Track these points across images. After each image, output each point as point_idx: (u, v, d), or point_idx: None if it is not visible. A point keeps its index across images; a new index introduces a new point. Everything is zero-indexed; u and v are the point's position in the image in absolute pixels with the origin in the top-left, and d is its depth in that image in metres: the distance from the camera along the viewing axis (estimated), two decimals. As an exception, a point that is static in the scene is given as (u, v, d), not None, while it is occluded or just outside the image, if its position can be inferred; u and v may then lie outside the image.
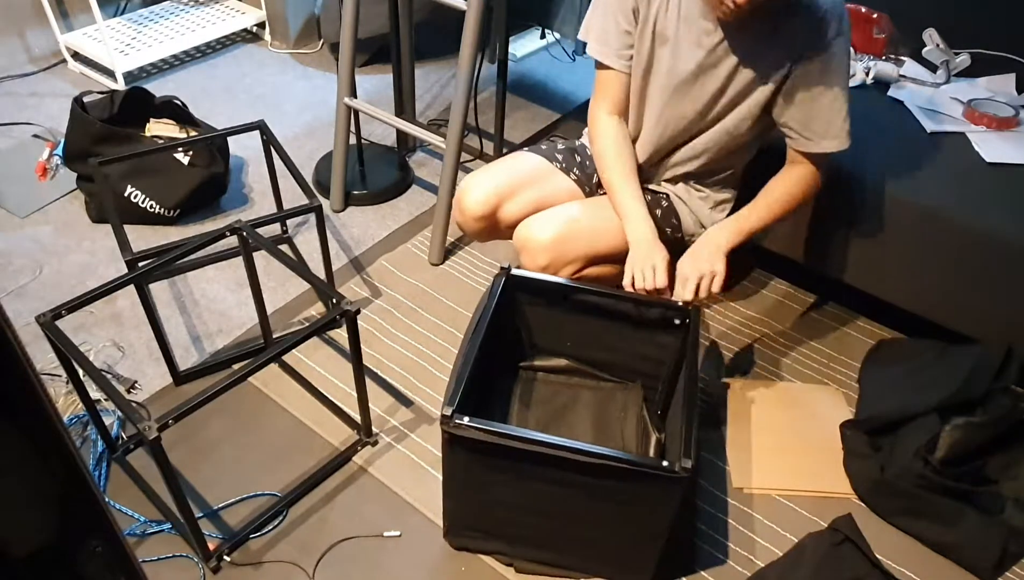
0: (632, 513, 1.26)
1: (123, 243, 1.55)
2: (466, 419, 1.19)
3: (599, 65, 1.55)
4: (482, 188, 1.61)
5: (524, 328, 1.59)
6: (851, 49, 1.43)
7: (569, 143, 1.74)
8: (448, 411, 1.19)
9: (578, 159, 1.71)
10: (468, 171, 2.42)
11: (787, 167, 1.54)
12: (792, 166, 1.53)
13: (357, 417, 1.59)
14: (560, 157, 1.70)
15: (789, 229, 1.85)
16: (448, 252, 2.08)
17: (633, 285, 1.49)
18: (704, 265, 1.47)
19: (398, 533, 1.45)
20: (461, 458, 1.26)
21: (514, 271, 1.48)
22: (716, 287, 1.47)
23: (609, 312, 1.50)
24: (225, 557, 1.39)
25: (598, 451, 1.17)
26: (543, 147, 1.72)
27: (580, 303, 1.50)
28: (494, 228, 1.66)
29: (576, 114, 2.71)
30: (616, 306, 1.49)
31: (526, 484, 1.26)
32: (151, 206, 2.07)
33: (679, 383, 1.40)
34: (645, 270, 1.48)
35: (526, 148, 1.72)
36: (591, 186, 1.71)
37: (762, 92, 1.45)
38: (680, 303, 1.45)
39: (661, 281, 1.47)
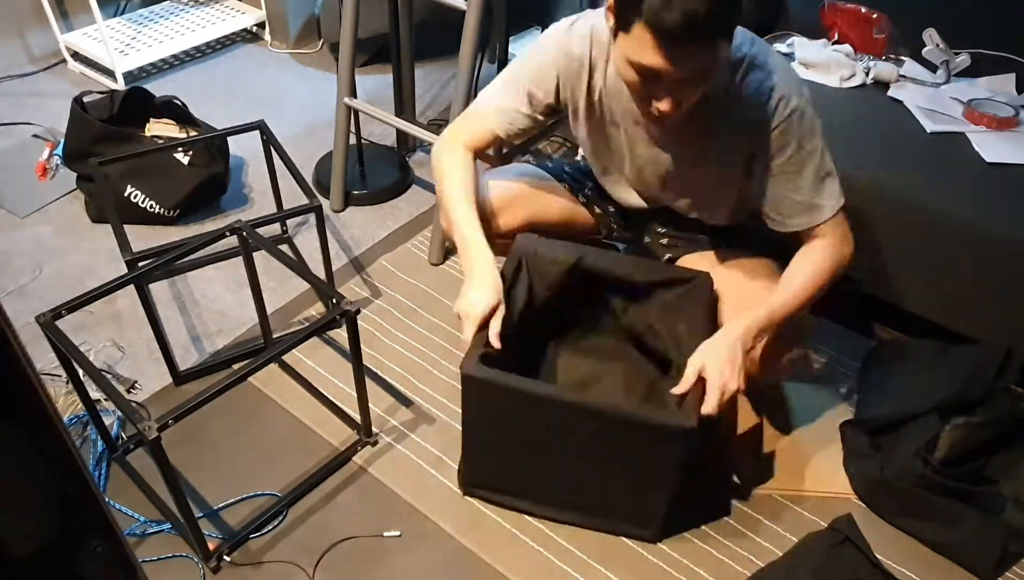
0: (639, 466, 1.31)
1: (123, 243, 1.55)
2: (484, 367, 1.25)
3: (482, 115, 1.42)
4: (508, 209, 1.52)
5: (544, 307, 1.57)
6: (808, 122, 1.27)
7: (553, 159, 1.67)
8: (473, 360, 1.25)
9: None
10: (468, 171, 2.42)
11: (803, 246, 1.36)
12: (807, 243, 1.35)
13: (357, 417, 1.59)
14: (569, 177, 1.61)
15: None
16: (448, 252, 2.08)
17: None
18: (727, 368, 1.25)
19: (398, 533, 1.45)
20: (477, 407, 1.32)
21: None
22: (734, 386, 1.26)
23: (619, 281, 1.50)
24: (225, 557, 1.39)
25: (605, 403, 1.24)
26: (549, 164, 1.65)
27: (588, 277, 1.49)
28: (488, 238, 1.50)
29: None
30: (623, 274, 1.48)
31: (539, 435, 1.32)
32: (151, 206, 2.07)
33: (688, 345, 1.39)
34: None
35: (519, 161, 1.66)
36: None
37: (730, 178, 1.37)
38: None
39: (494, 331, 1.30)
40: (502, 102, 1.40)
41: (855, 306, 1.97)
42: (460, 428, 1.42)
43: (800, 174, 1.29)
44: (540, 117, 1.41)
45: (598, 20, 1.32)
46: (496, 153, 2.14)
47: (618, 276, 1.48)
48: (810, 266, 1.33)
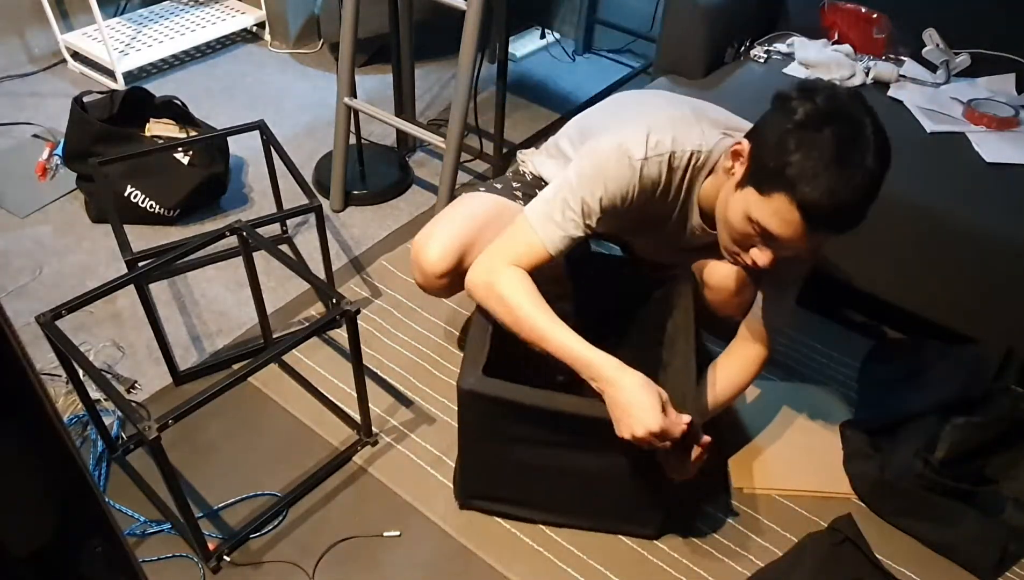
0: (638, 466, 1.30)
1: (123, 243, 1.55)
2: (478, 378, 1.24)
3: (536, 242, 1.27)
4: (439, 241, 1.43)
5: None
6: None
7: (514, 174, 1.59)
8: (472, 373, 1.25)
9: (531, 184, 1.56)
10: (468, 172, 2.42)
11: (744, 343, 1.46)
12: (743, 341, 1.46)
13: (357, 417, 1.59)
14: (518, 191, 1.54)
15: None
16: (448, 252, 2.07)
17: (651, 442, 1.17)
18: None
19: (398, 533, 1.45)
20: (472, 415, 1.31)
21: None
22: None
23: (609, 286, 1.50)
24: (225, 557, 1.39)
25: (604, 409, 1.22)
26: (497, 186, 1.55)
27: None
28: (459, 283, 1.41)
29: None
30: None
31: (536, 444, 1.31)
32: (151, 206, 2.07)
33: (668, 349, 1.42)
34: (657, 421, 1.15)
35: (476, 189, 1.56)
36: None
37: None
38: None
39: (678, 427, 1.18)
40: (559, 233, 1.27)
41: (854, 305, 1.97)
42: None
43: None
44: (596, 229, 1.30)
45: (678, 142, 1.25)
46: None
47: (606, 276, 1.48)
48: (754, 368, 1.48)
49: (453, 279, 1.45)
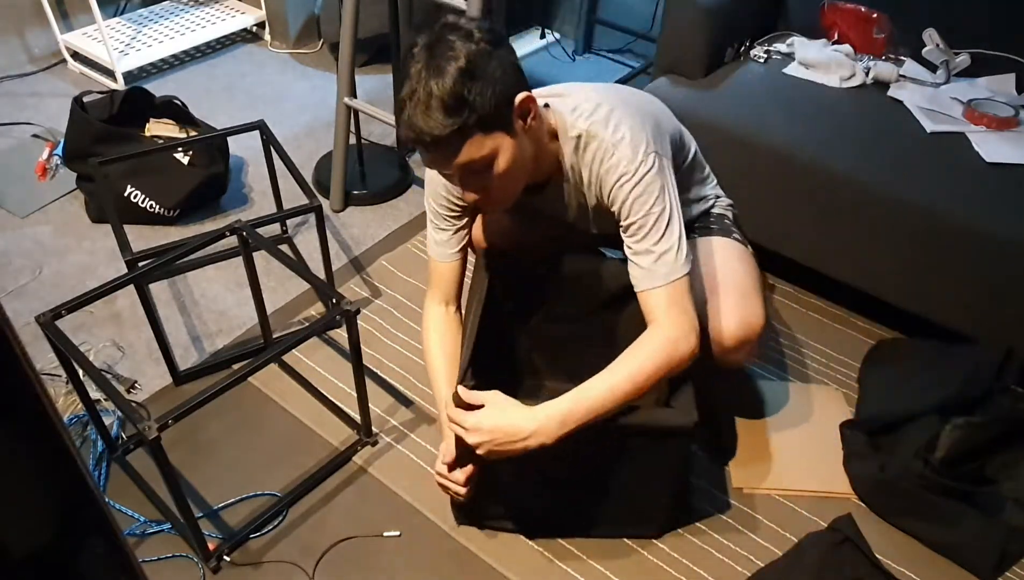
0: (640, 470, 1.30)
1: (123, 243, 1.55)
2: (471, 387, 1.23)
3: (433, 264, 1.45)
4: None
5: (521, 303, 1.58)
6: (663, 169, 1.23)
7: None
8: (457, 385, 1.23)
9: None
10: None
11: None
12: (647, 328, 1.24)
13: (357, 417, 1.59)
14: None
15: (789, 229, 1.85)
16: (448, 252, 2.08)
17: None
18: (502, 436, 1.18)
19: (398, 533, 1.45)
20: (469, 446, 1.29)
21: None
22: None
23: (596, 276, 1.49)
24: (225, 557, 1.39)
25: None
26: None
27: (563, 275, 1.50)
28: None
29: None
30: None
31: (534, 460, 1.25)
32: (151, 206, 2.07)
33: None
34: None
35: None
36: None
37: (606, 223, 1.34)
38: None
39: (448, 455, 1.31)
40: (433, 244, 1.43)
41: (854, 305, 1.97)
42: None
43: (641, 235, 1.23)
44: (462, 231, 1.41)
45: None
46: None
47: (589, 283, 1.48)
48: (634, 355, 1.21)
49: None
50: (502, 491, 1.39)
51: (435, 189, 1.38)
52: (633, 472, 1.32)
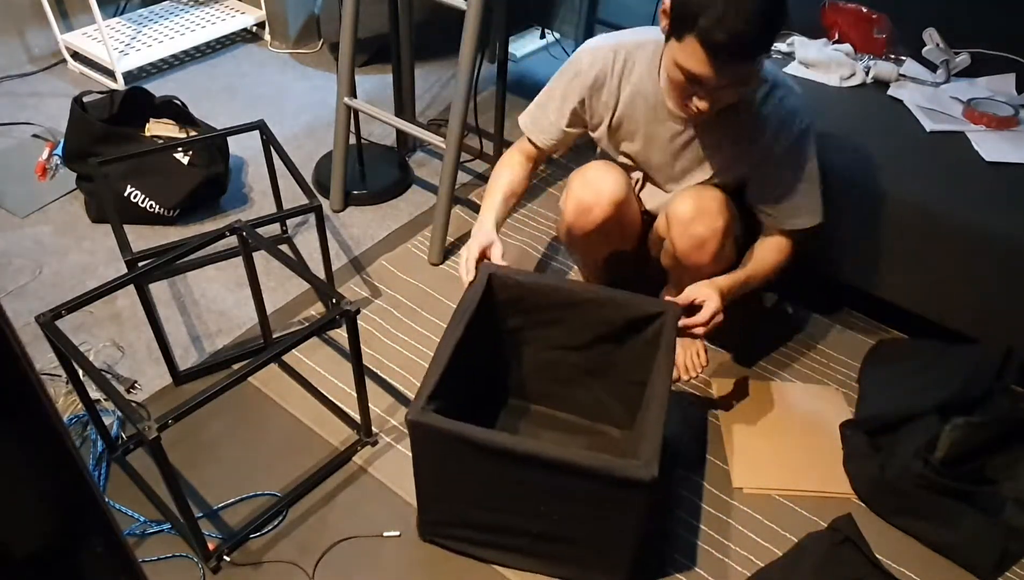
0: (600, 515, 1.25)
1: (123, 243, 1.55)
2: (431, 413, 1.21)
3: (527, 132, 1.65)
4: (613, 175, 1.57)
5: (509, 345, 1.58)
6: (809, 141, 1.51)
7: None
8: (418, 405, 1.22)
9: None
10: (468, 172, 2.42)
11: (765, 236, 1.61)
12: (769, 234, 1.60)
13: (357, 417, 1.59)
14: None
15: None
16: (448, 252, 2.08)
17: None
18: (716, 299, 1.44)
19: (398, 533, 1.45)
20: (427, 454, 1.28)
21: (495, 272, 1.47)
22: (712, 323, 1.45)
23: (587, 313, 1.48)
24: (225, 557, 1.39)
25: (560, 453, 1.18)
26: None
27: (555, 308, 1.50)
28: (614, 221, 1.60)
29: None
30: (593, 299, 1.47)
31: (493, 482, 1.27)
32: (151, 206, 2.07)
33: (650, 386, 1.38)
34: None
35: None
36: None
37: (732, 174, 1.55)
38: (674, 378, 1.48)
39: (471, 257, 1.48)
40: (539, 121, 1.63)
41: (855, 305, 1.97)
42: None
43: (804, 181, 1.51)
44: (571, 130, 1.62)
45: (625, 38, 1.54)
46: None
47: (601, 303, 1.47)
48: (776, 256, 1.57)
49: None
50: (466, 510, 1.34)
51: (579, 90, 1.55)
52: (591, 516, 1.26)
